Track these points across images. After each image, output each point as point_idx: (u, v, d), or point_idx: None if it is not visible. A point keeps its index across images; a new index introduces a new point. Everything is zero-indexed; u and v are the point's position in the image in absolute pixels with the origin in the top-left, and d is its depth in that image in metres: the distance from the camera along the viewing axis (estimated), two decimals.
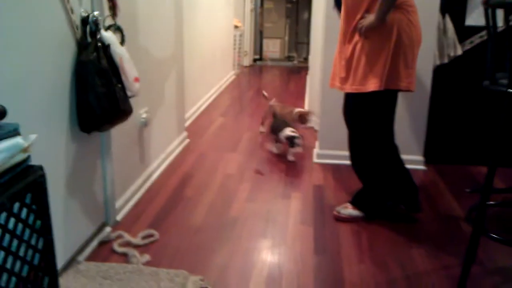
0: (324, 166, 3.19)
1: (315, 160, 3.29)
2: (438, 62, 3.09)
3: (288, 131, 3.29)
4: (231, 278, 1.95)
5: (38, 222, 1.17)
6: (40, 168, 1.18)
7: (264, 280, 1.95)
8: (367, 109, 2.27)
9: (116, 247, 2.12)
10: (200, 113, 4.64)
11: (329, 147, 3.27)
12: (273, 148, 3.49)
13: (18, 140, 1.11)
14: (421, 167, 3.18)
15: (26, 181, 1.11)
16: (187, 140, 3.69)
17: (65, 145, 1.89)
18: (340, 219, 2.45)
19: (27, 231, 1.13)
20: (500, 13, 1.75)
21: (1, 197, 1.01)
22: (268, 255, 2.14)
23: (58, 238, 1.80)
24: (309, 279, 1.96)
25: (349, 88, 2.25)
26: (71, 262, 1.96)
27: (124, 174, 2.48)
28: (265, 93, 4.26)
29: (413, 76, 2.22)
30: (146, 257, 2.04)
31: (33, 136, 1.17)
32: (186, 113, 4.00)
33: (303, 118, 3.55)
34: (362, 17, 2.15)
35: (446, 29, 3.07)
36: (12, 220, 1.07)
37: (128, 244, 2.16)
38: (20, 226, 1.10)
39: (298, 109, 3.64)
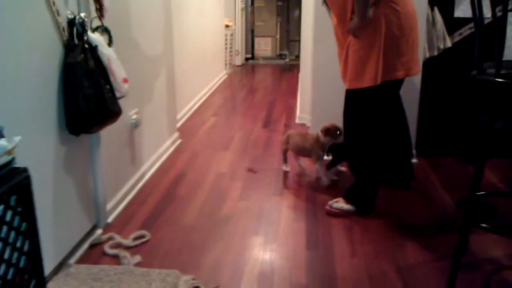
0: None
1: None
2: (428, 55, 3.10)
3: None
4: (223, 276, 1.95)
5: (24, 225, 1.17)
6: (25, 170, 1.17)
7: (256, 277, 1.95)
8: (366, 104, 2.31)
9: (107, 249, 2.11)
10: (192, 113, 4.64)
11: None
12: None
13: (1, 142, 1.10)
14: (413, 160, 3.19)
15: (10, 183, 1.11)
16: (179, 140, 3.69)
17: (54, 148, 1.88)
18: (331, 213, 2.46)
19: (12, 234, 1.12)
20: (487, 4, 1.76)
21: None
22: (260, 252, 2.14)
23: (48, 241, 1.80)
24: (301, 275, 1.96)
25: (348, 85, 2.32)
26: (62, 265, 1.95)
27: (115, 176, 2.47)
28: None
29: (412, 61, 2.26)
30: (138, 258, 2.04)
31: (17, 138, 1.17)
32: (178, 114, 3.99)
33: (331, 133, 2.75)
34: (351, 18, 2.19)
35: (435, 22, 3.08)
36: None
37: (119, 245, 2.15)
38: (5, 228, 1.09)
39: (322, 127, 2.81)
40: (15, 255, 1.13)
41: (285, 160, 3.09)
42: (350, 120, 2.41)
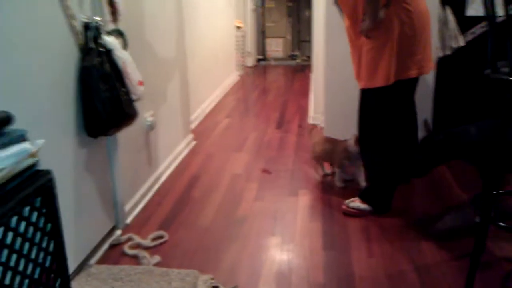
0: None
1: None
2: (440, 54, 3.09)
3: None
4: (241, 276, 1.97)
5: (49, 225, 1.20)
6: (49, 172, 1.20)
7: (274, 276, 1.96)
8: (381, 103, 2.32)
9: (126, 249, 2.14)
10: (205, 115, 4.66)
11: None
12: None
13: (25, 145, 1.13)
14: None
15: (35, 185, 1.13)
16: (194, 142, 3.71)
17: (73, 151, 1.91)
18: (348, 212, 2.46)
19: (38, 234, 1.15)
20: (500, 2, 1.75)
21: (12, 202, 1.03)
22: (278, 252, 2.15)
23: (69, 243, 1.82)
24: (319, 275, 1.97)
25: (362, 84, 2.34)
26: (83, 265, 1.98)
27: (132, 178, 2.50)
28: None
29: (425, 60, 2.27)
30: (157, 258, 2.06)
31: (40, 141, 1.20)
32: (192, 115, 4.02)
33: None
34: (363, 19, 2.20)
35: (447, 21, 3.07)
36: (23, 224, 1.09)
37: (138, 246, 2.18)
38: (31, 229, 1.12)
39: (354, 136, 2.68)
40: (41, 255, 1.16)
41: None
42: (365, 119, 2.42)
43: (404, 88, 2.31)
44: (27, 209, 1.11)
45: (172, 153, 3.22)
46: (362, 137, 2.47)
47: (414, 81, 2.35)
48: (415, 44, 2.20)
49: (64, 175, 1.83)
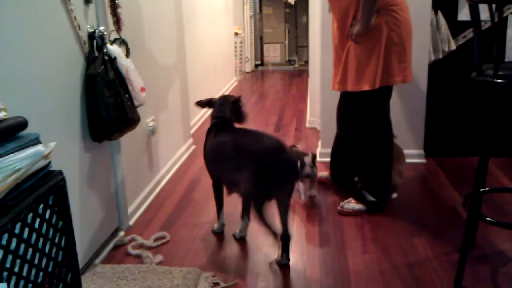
0: (327, 164, 3.27)
1: (318, 158, 3.38)
2: (433, 58, 3.19)
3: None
4: (241, 273, 2.05)
5: (60, 222, 1.28)
6: (60, 173, 1.29)
7: (273, 273, 2.04)
8: (364, 105, 2.40)
9: (130, 249, 2.22)
10: (205, 119, 4.75)
11: (331, 146, 3.35)
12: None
13: (39, 147, 1.22)
14: (422, 160, 3.27)
15: (48, 184, 1.22)
16: (193, 146, 3.80)
17: (79, 155, 2.00)
18: (343, 213, 2.54)
19: (51, 230, 1.24)
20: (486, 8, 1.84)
21: (28, 199, 1.12)
22: (275, 250, 2.23)
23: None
24: (315, 271, 2.05)
25: (349, 87, 2.42)
26: (88, 265, 2.06)
27: (135, 181, 2.58)
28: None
29: (408, 69, 2.36)
30: (159, 258, 2.14)
31: (52, 144, 1.28)
32: (192, 120, 4.11)
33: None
34: (351, 24, 2.28)
35: (439, 25, 3.17)
36: (37, 220, 1.18)
37: (141, 246, 2.26)
38: (44, 225, 1.21)
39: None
40: (54, 250, 1.24)
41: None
42: (352, 119, 2.51)
43: (387, 94, 2.41)
44: (41, 206, 1.20)
45: (173, 157, 3.31)
46: (346, 138, 2.60)
47: (392, 88, 2.45)
48: (401, 52, 2.29)
49: (69, 178, 1.90)
